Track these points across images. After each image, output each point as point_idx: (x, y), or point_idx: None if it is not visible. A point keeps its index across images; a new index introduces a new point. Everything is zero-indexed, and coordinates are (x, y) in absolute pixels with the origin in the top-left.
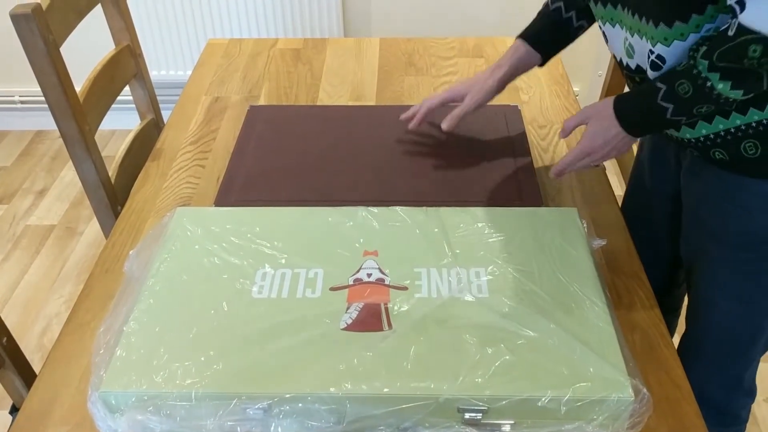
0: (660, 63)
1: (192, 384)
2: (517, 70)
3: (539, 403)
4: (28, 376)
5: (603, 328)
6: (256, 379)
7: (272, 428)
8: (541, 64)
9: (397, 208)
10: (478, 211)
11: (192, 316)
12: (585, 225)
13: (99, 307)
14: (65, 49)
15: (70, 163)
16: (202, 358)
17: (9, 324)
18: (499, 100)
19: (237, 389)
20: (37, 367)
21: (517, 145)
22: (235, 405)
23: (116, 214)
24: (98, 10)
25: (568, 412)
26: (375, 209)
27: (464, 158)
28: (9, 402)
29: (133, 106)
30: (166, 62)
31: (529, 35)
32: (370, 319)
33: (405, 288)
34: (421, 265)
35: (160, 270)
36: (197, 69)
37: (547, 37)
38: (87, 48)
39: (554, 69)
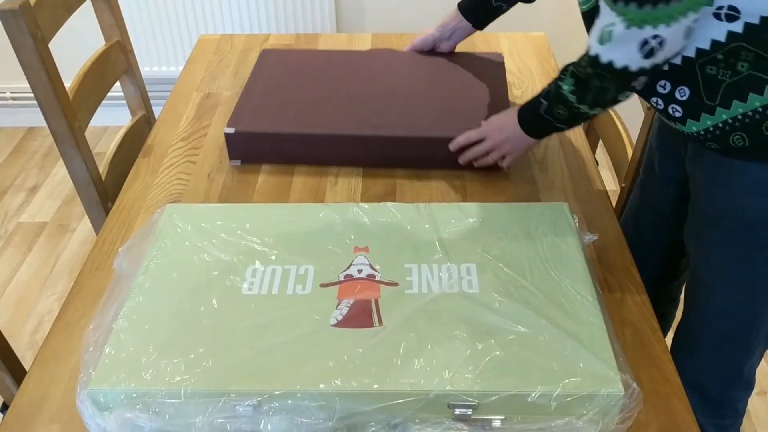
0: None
1: (181, 381)
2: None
3: (529, 399)
4: (18, 374)
5: (593, 324)
6: (246, 376)
7: (262, 425)
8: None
9: (388, 204)
10: (469, 207)
11: (182, 314)
12: (576, 220)
13: (89, 305)
14: (54, 46)
15: (62, 160)
16: (192, 356)
17: (0, 321)
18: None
19: (227, 386)
20: (29, 365)
21: (496, 83)
22: (225, 402)
23: (107, 211)
24: (88, 6)
25: (558, 408)
26: (366, 205)
27: (449, 94)
28: None
29: (124, 102)
30: (158, 58)
31: (462, 7)
32: (361, 316)
33: (395, 284)
34: (412, 262)
35: (149, 267)
36: (188, 65)
37: (474, 11)
38: (77, 44)
39: (546, 63)
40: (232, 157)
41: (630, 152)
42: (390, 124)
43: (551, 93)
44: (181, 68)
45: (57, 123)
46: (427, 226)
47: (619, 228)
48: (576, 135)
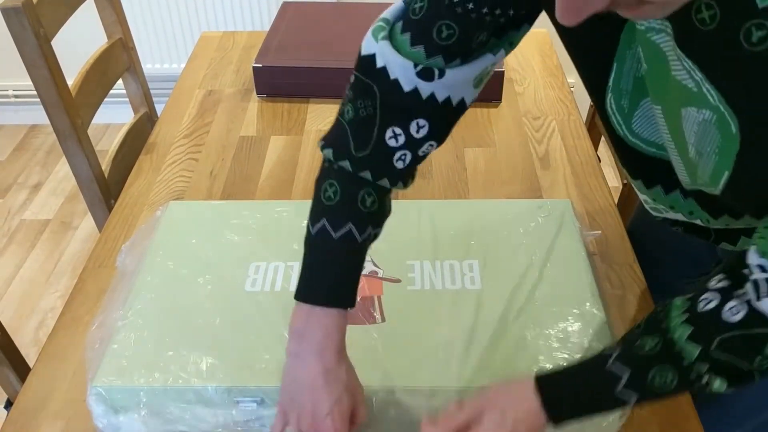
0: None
1: (187, 378)
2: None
3: None
4: (22, 371)
5: (596, 319)
6: (251, 372)
7: (266, 421)
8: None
9: (394, 201)
10: (471, 204)
11: (185, 310)
12: (578, 217)
13: (93, 302)
14: (57, 43)
15: (65, 157)
16: (197, 352)
17: (4, 319)
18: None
19: (231, 382)
20: (33, 362)
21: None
22: (230, 398)
23: (110, 209)
24: (90, 3)
25: None
26: None
27: None
28: (3, 396)
29: (127, 99)
30: (160, 55)
31: (328, 295)
32: (364, 312)
33: (398, 281)
34: (414, 258)
35: (153, 264)
36: (190, 62)
37: (347, 280)
38: (79, 41)
39: (549, 60)
40: (259, 91)
41: None
42: None
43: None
44: (183, 65)
45: (59, 120)
46: (428, 223)
47: (622, 224)
48: (578, 132)
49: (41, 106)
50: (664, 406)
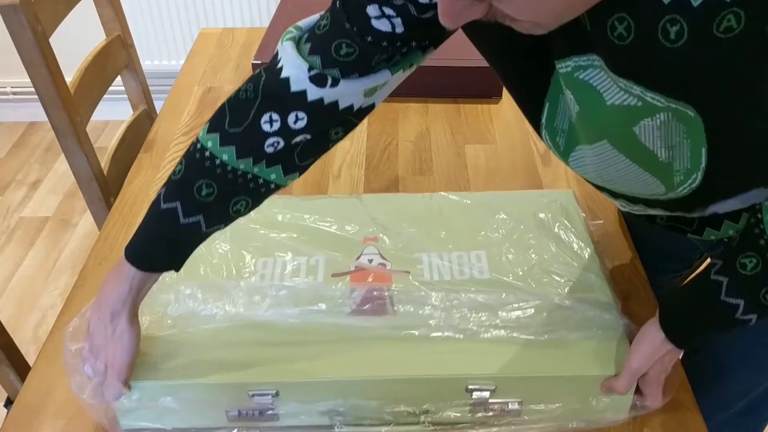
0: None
1: (198, 373)
2: (139, 299)
3: (544, 382)
4: (22, 369)
5: (606, 305)
6: (263, 366)
7: (280, 414)
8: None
9: (396, 195)
10: (476, 196)
11: (192, 306)
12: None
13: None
14: (55, 40)
15: (64, 155)
16: (207, 347)
17: (4, 317)
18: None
19: (243, 378)
20: (33, 360)
21: None
22: (242, 393)
23: (109, 206)
24: (88, 0)
25: (573, 390)
26: (373, 196)
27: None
28: (3, 395)
29: (126, 97)
30: (159, 52)
31: (143, 256)
32: (374, 304)
33: (407, 272)
34: (422, 250)
35: None
36: (190, 59)
37: (168, 251)
38: (77, 38)
39: None
40: None
41: None
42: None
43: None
44: (182, 62)
45: (58, 118)
46: (435, 215)
47: (623, 220)
48: None
49: (39, 104)
50: (669, 404)
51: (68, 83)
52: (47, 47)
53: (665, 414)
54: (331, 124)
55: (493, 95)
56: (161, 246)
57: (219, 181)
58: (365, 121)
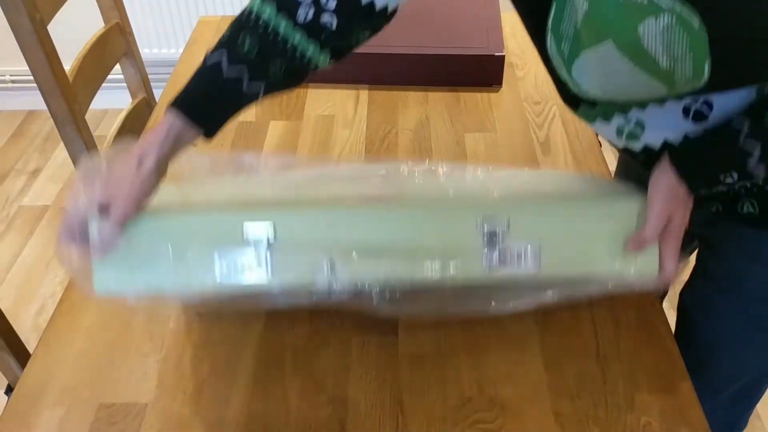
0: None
1: (192, 210)
2: (172, 151)
3: (561, 220)
4: (22, 357)
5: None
6: (260, 206)
7: (272, 268)
8: (207, 136)
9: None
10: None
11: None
12: None
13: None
14: (53, 28)
15: (63, 143)
16: (209, 201)
17: (4, 305)
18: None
19: (238, 211)
20: (33, 347)
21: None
22: (236, 230)
23: None
24: None
25: (593, 237)
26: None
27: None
28: (4, 382)
29: (125, 85)
30: (158, 40)
31: (184, 103)
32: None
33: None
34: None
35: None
36: (189, 47)
37: (208, 105)
38: (76, 26)
39: None
40: None
41: None
42: (393, 44)
43: None
44: (181, 50)
45: (57, 106)
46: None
47: None
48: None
49: (38, 92)
50: (668, 393)
51: (67, 71)
52: (45, 35)
53: (663, 402)
54: (358, 16)
55: (492, 84)
56: (204, 97)
57: (261, 40)
58: (365, 110)
